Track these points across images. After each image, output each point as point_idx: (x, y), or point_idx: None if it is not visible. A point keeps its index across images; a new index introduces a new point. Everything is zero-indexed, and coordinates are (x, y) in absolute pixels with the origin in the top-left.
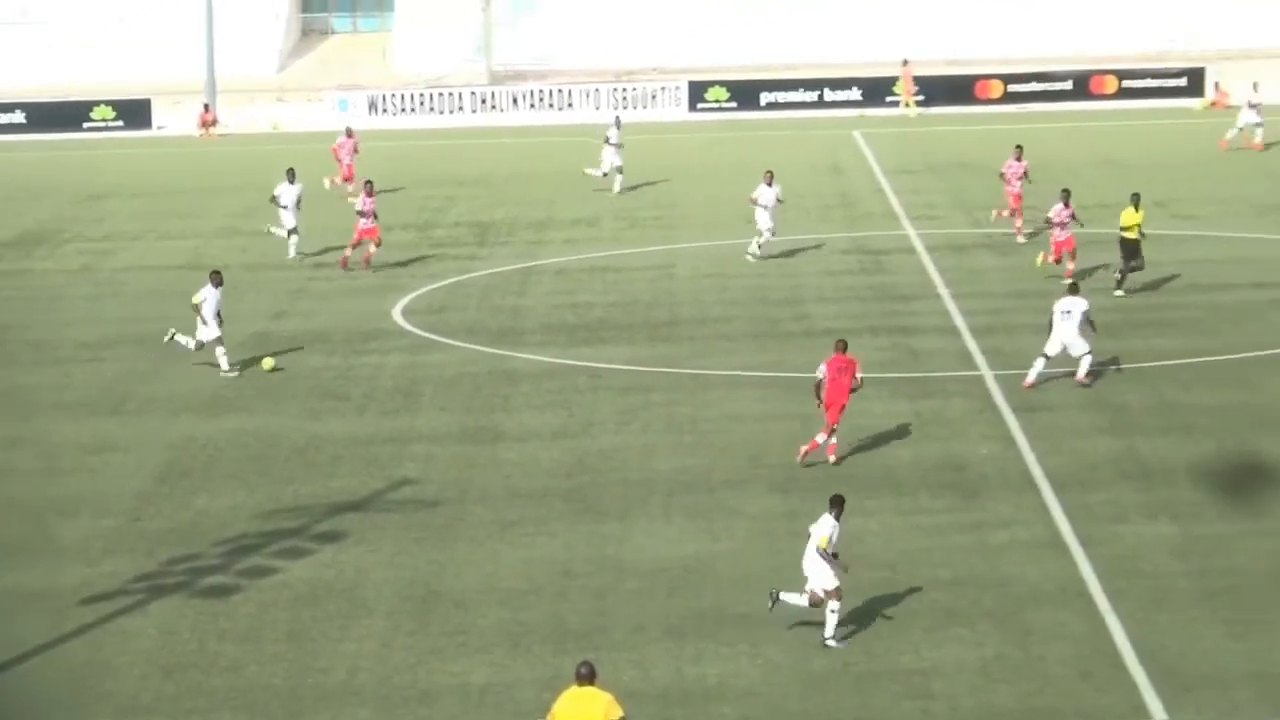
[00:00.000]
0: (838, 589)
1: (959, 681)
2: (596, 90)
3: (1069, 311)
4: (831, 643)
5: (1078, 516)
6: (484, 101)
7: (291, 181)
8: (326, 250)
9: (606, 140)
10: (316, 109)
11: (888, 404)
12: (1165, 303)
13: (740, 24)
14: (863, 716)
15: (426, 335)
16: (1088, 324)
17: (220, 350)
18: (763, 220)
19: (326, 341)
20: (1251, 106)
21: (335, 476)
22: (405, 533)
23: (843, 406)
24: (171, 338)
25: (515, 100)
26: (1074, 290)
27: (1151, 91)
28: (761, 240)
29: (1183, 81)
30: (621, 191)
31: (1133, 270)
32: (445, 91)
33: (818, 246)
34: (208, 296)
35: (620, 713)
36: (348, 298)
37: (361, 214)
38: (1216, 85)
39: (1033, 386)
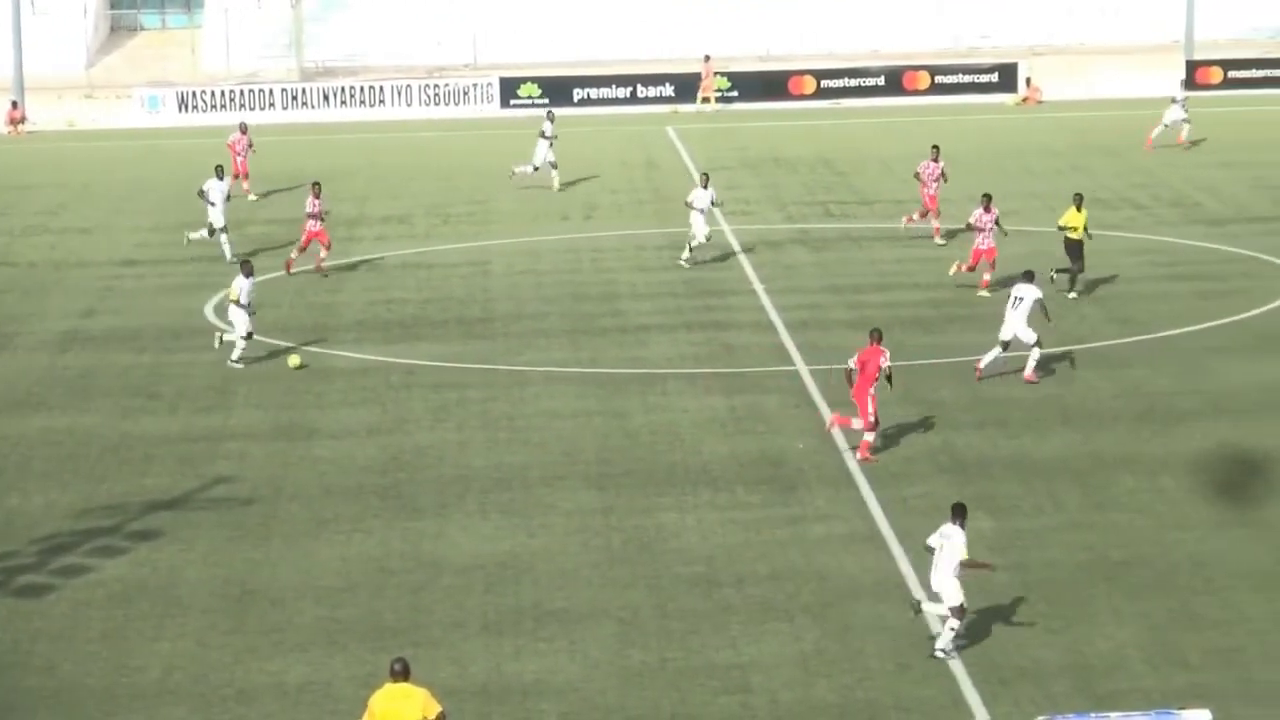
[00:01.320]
0: (962, 606)
1: (778, 676)
2: (408, 87)
3: (1021, 298)
4: (941, 654)
5: (894, 510)
6: (295, 98)
7: (220, 178)
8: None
9: (542, 134)
10: (125, 106)
11: (703, 399)
12: (981, 297)
13: (552, 20)
14: (681, 712)
15: None
16: (1040, 313)
17: (231, 336)
18: (698, 225)
19: (137, 339)
20: (1176, 102)
21: (148, 475)
22: (220, 531)
23: (870, 398)
24: (222, 341)
25: (327, 97)
26: (1028, 278)
27: (964, 87)
28: (694, 245)
29: (995, 77)
30: (561, 187)
31: (1078, 272)
32: (256, 88)
33: (631, 242)
34: (243, 287)
35: (439, 708)
36: (158, 296)
37: (310, 216)
38: (1028, 81)
39: (982, 376)
